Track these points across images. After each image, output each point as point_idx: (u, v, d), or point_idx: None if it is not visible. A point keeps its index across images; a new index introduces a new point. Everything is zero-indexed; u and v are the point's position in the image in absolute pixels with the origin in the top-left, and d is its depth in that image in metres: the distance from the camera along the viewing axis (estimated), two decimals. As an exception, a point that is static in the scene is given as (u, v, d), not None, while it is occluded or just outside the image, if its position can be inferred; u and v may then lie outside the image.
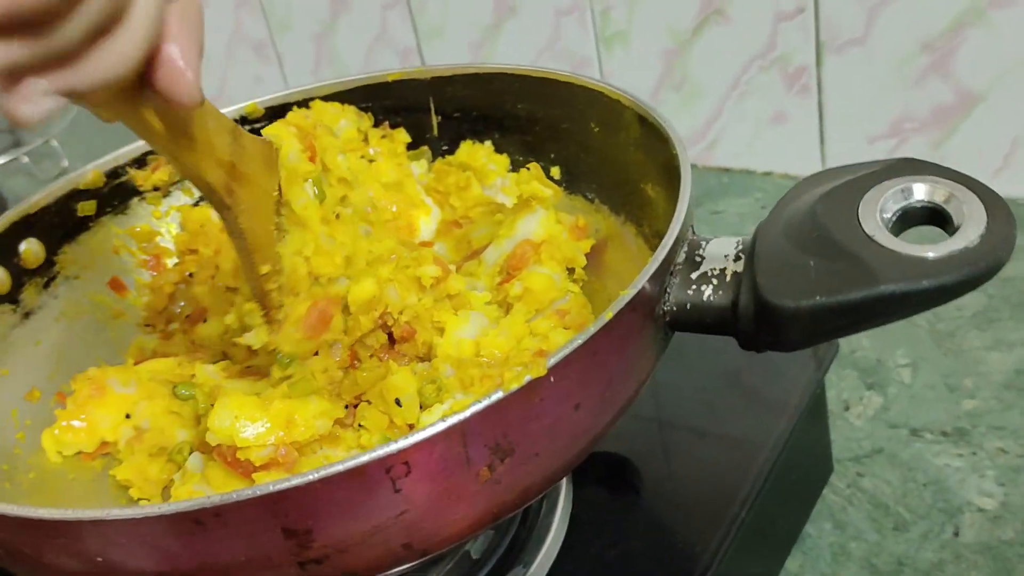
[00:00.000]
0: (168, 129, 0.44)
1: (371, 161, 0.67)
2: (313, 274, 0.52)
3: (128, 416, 0.57)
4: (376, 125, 0.70)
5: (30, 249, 0.63)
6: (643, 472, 0.63)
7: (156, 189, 0.69)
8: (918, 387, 0.78)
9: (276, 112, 0.71)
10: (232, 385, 0.54)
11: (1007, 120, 0.90)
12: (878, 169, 0.44)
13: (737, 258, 0.46)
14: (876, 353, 0.82)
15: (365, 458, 0.37)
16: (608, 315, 0.41)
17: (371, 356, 0.53)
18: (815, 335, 0.42)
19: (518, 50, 1.16)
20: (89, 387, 0.57)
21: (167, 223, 0.69)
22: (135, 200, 0.69)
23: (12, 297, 0.62)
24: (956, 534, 0.65)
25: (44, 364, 0.62)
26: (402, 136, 0.69)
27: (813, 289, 0.40)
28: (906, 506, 0.68)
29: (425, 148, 0.70)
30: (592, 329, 0.41)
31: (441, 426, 0.38)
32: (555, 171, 0.66)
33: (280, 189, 0.51)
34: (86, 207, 0.65)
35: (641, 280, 0.43)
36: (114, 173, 0.67)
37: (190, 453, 0.54)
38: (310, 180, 0.54)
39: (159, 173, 0.68)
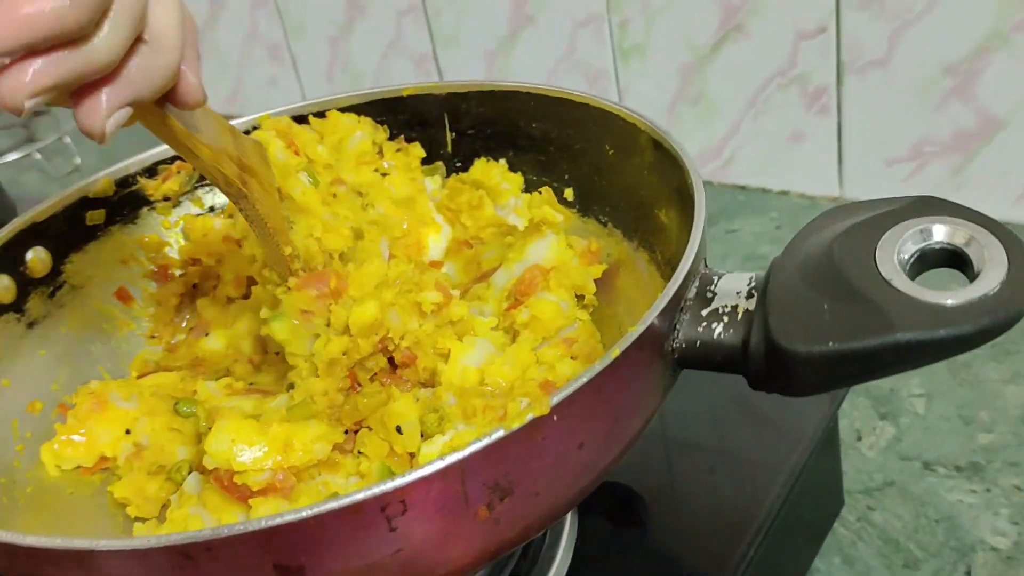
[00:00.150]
0: (184, 128, 0.47)
1: (384, 175, 0.67)
2: (325, 251, 0.55)
3: (128, 432, 0.56)
4: (391, 139, 0.69)
5: (37, 258, 0.62)
6: (650, 505, 0.62)
7: (166, 199, 0.68)
8: (932, 419, 0.77)
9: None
10: (233, 404, 0.53)
11: (1030, 147, 0.89)
12: (897, 208, 0.43)
13: (750, 295, 0.45)
14: (890, 382, 0.81)
15: (360, 496, 0.36)
16: (615, 352, 0.40)
17: (372, 380, 0.52)
18: (827, 381, 0.40)
19: (534, 60, 1.15)
20: (90, 401, 0.57)
21: (176, 233, 0.69)
22: (145, 210, 0.68)
23: (17, 306, 0.61)
24: (968, 574, 0.64)
25: (47, 375, 0.61)
26: (417, 151, 0.68)
27: (826, 334, 0.39)
28: (917, 543, 0.67)
29: (439, 164, 0.69)
30: (598, 366, 0.40)
31: (439, 464, 0.37)
32: (568, 193, 0.65)
33: (277, 183, 0.55)
34: (95, 216, 0.65)
35: (650, 316, 0.42)
36: (124, 182, 0.67)
37: (189, 472, 0.54)
38: (303, 171, 0.57)
39: (170, 183, 0.68)
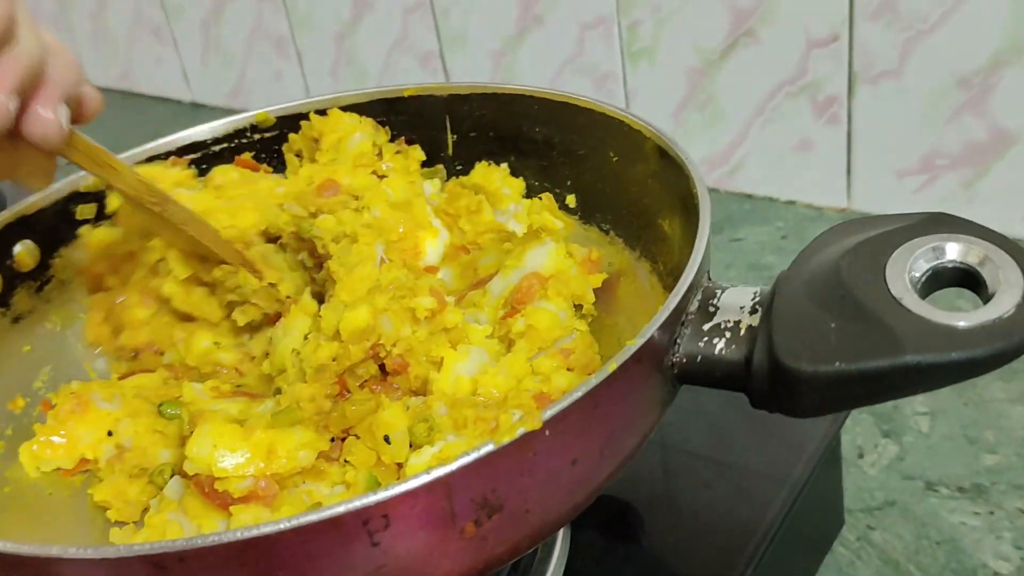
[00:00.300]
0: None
1: (382, 177, 0.65)
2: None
3: (110, 434, 0.54)
4: (392, 140, 0.68)
5: (25, 251, 0.61)
6: (646, 519, 0.60)
7: None
8: (936, 438, 0.75)
9: (288, 120, 0.69)
10: (219, 407, 0.51)
11: (1043, 163, 0.88)
12: (909, 224, 0.42)
13: (753, 311, 0.43)
14: (893, 399, 0.79)
15: (341, 509, 0.35)
16: (612, 366, 0.39)
17: (361, 387, 0.51)
18: (832, 403, 0.39)
19: (541, 61, 1.14)
20: (71, 402, 0.55)
21: None
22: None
23: (3, 300, 0.60)
24: (969, 599, 0.63)
25: (31, 371, 0.60)
26: (416, 154, 0.67)
27: (833, 354, 0.38)
28: (917, 564, 0.66)
29: (440, 167, 0.68)
30: (594, 380, 0.38)
31: (425, 479, 0.35)
32: (570, 199, 0.63)
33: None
34: (85, 211, 0.63)
35: (650, 330, 0.41)
36: (115, 176, 0.65)
37: (172, 476, 0.52)
38: None
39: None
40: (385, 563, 0.37)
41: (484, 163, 0.65)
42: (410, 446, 0.47)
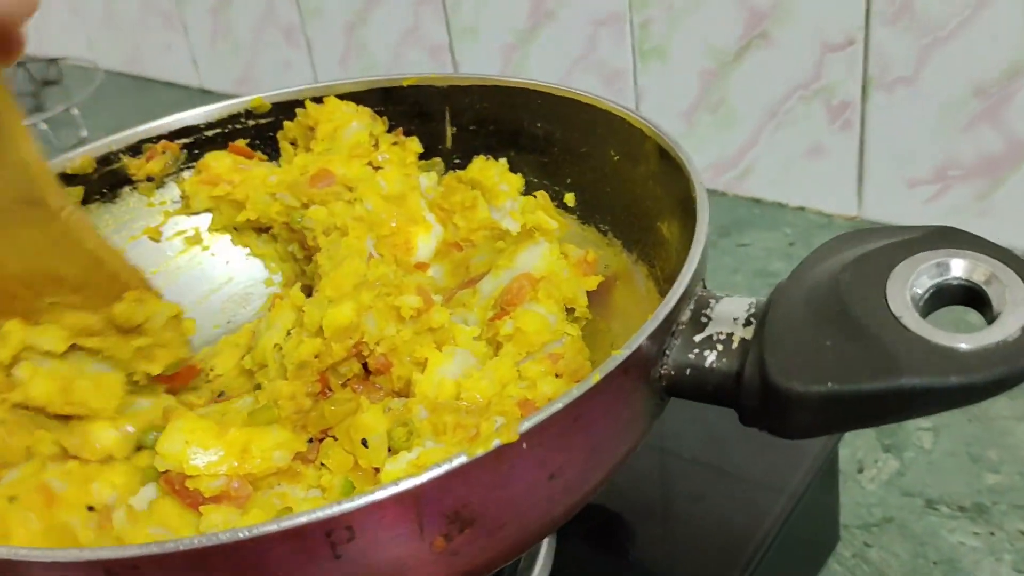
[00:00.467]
0: None
1: (378, 168, 0.64)
2: None
3: None
4: (389, 130, 0.66)
5: None
6: (637, 530, 0.59)
7: (150, 179, 0.65)
8: (938, 454, 0.74)
9: (283, 107, 0.67)
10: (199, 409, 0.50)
11: (1059, 177, 0.86)
12: (913, 238, 0.40)
13: (747, 323, 0.42)
14: (897, 414, 0.77)
15: (303, 519, 0.33)
16: (596, 377, 0.37)
17: (344, 385, 0.49)
18: (823, 425, 0.37)
19: (552, 57, 1.12)
20: None
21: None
22: (126, 189, 0.65)
23: None
24: (965, 624, 0.61)
25: None
26: (414, 146, 0.65)
27: (825, 374, 0.36)
28: (914, 586, 0.64)
29: (438, 160, 0.66)
30: (576, 391, 0.36)
31: (392, 490, 0.34)
32: (569, 198, 0.62)
33: None
34: (72, 193, 0.62)
35: (638, 339, 0.39)
36: (106, 160, 0.64)
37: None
38: None
39: (154, 163, 0.65)
40: (348, 576, 0.35)
41: (482, 157, 0.63)
42: (389, 451, 0.45)
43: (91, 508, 0.47)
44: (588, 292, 0.56)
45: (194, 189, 0.64)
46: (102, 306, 0.51)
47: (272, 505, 0.44)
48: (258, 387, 0.51)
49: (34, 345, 0.50)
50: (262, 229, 0.65)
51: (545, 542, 0.55)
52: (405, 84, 0.65)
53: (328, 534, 0.34)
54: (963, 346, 0.35)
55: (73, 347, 0.51)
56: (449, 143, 0.66)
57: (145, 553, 0.33)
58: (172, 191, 0.66)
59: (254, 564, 0.34)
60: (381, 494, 0.34)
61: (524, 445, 0.36)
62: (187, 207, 0.66)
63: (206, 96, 1.51)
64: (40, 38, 1.53)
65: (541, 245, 0.53)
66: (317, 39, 1.33)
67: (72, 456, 0.48)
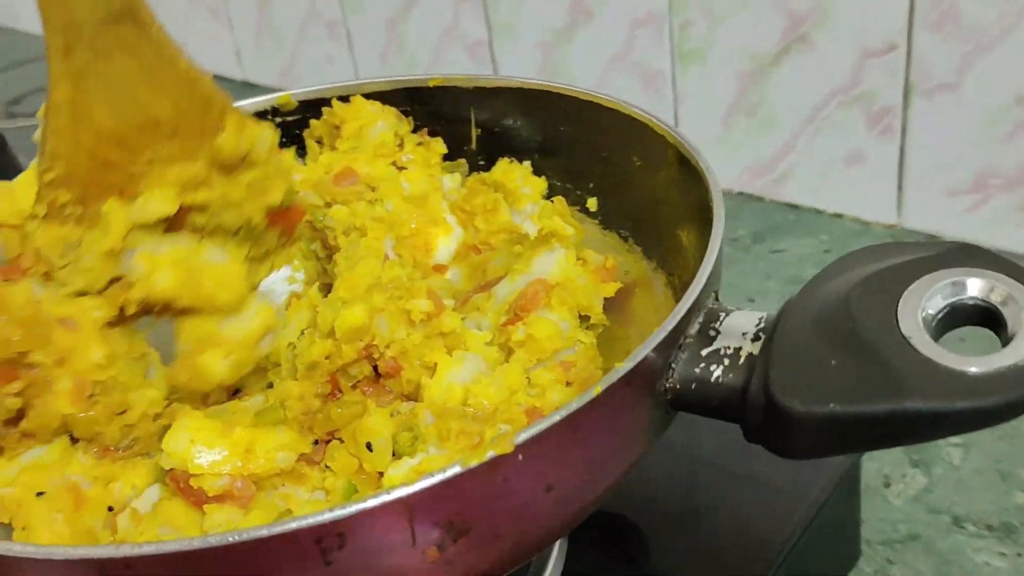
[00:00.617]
0: None
1: (401, 168, 0.64)
2: None
3: None
4: (414, 131, 0.66)
5: None
6: (650, 537, 0.58)
7: None
8: (967, 471, 0.72)
9: (310, 105, 0.67)
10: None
11: (1104, 190, 0.83)
12: (931, 255, 0.39)
13: (756, 337, 0.41)
14: (926, 428, 0.76)
15: (293, 525, 0.33)
16: (596, 389, 0.36)
17: (354, 387, 0.49)
18: (826, 447, 0.36)
19: (590, 56, 1.11)
20: None
21: None
22: None
23: None
24: (987, 647, 0.59)
25: None
26: (438, 146, 0.65)
27: (828, 394, 0.35)
28: (935, 605, 0.63)
29: (462, 161, 0.66)
30: (575, 404, 0.36)
31: (384, 498, 0.34)
32: (592, 203, 0.61)
33: None
34: None
35: (643, 351, 0.38)
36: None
37: None
38: None
39: None
40: (340, 583, 0.35)
41: (506, 160, 0.63)
42: (394, 455, 0.45)
43: (111, 509, 0.47)
44: (606, 299, 0.56)
45: (220, 185, 0.64)
46: (201, 147, 0.47)
47: (275, 506, 0.44)
48: (270, 386, 0.51)
49: (144, 213, 0.46)
50: (287, 227, 0.65)
51: (556, 548, 0.54)
52: (431, 85, 0.65)
53: (318, 541, 0.34)
54: (973, 370, 0.34)
55: (183, 227, 0.48)
56: (474, 145, 0.66)
57: (138, 553, 0.33)
58: None
59: (245, 567, 0.34)
60: (372, 502, 0.33)
61: (520, 457, 0.35)
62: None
63: (249, 89, 1.52)
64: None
65: (557, 251, 0.53)
66: (358, 34, 1.33)
67: (99, 446, 0.47)
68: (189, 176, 0.47)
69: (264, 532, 0.33)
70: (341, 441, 0.47)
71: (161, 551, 0.33)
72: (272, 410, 0.47)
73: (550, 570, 0.53)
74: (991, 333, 0.38)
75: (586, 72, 1.12)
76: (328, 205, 0.61)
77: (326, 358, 0.48)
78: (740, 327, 0.42)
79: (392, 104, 0.66)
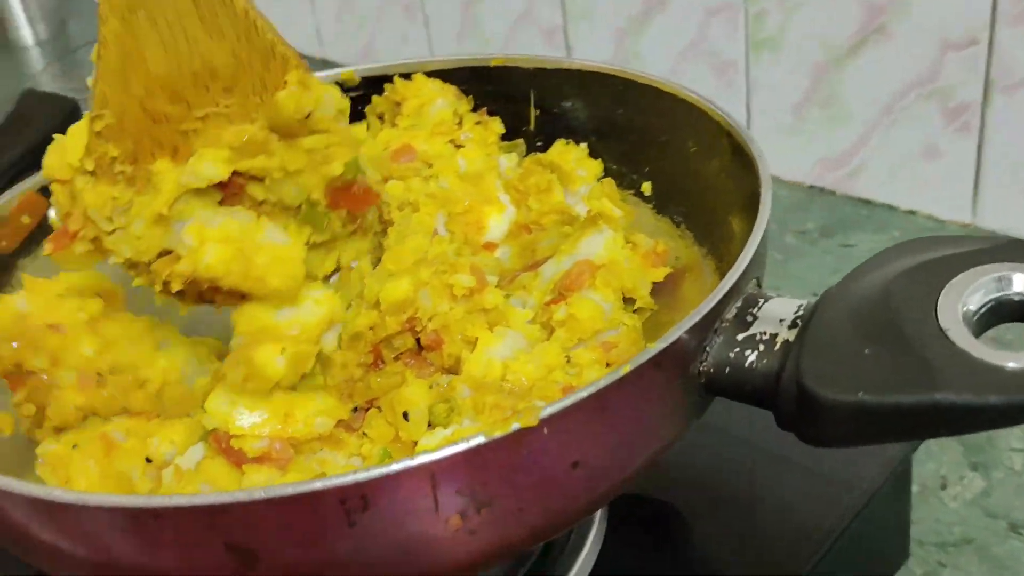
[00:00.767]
0: None
1: (459, 147, 0.64)
2: None
3: None
4: (474, 110, 0.66)
5: None
6: (691, 525, 0.58)
7: None
8: (1028, 477, 0.70)
9: (373, 82, 0.68)
10: None
11: None
12: (978, 249, 0.38)
13: (794, 325, 0.40)
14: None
15: (319, 484, 0.34)
16: (625, 368, 0.36)
17: (396, 359, 0.50)
18: (856, 436, 0.36)
19: (664, 44, 1.10)
20: None
21: None
22: None
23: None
24: (1036, 655, 0.58)
25: None
26: (496, 126, 0.65)
27: (858, 383, 0.34)
28: (985, 610, 0.61)
29: (520, 142, 0.66)
30: (603, 381, 0.36)
31: (407, 463, 0.34)
32: (646, 187, 0.61)
33: None
34: None
35: (676, 332, 0.38)
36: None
37: None
38: None
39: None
40: (363, 546, 0.36)
41: (563, 141, 0.63)
42: (429, 425, 0.46)
43: (149, 460, 0.49)
44: (656, 284, 0.55)
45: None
46: (262, 104, 0.45)
47: (312, 469, 0.45)
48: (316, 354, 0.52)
49: (194, 176, 0.44)
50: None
51: (594, 527, 0.54)
52: (492, 64, 0.65)
53: (343, 501, 0.34)
54: (1011, 365, 0.34)
55: (240, 200, 0.46)
56: (533, 125, 0.66)
57: (167, 504, 0.34)
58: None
59: (271, 524, 0.35)
60: (396, 467, 0.34)
61: (545, 431, 0.36)
62: (277, 171, 0.67)
63: (328, 67, 1.53)
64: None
65: (604, 233, 0.53)
66: (435, 16, 1.34)
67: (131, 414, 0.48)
68: (246, 138, 0.44)
69: (290, 490, 0.34)
70: (379, 410, 0.48)
71: (189, 503, 0.34)
72: (312, 376, 0.48)
73: (587, 549, 0.53)
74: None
75: (659, 60, 1.12)
76: (385, 180, 0.62)
77: (370, 329, 0.49)
78: (778, 313, 0.41)
79: (454, 83, 0.66)
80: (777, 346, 0.40)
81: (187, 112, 0.44)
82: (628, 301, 0.53)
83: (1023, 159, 0.88)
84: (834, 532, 0.54)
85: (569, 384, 0.46)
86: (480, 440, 0.35)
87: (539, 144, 0.66)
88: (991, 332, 0.38)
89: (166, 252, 0.45)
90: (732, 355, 0.41)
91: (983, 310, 0.37)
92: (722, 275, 0.53)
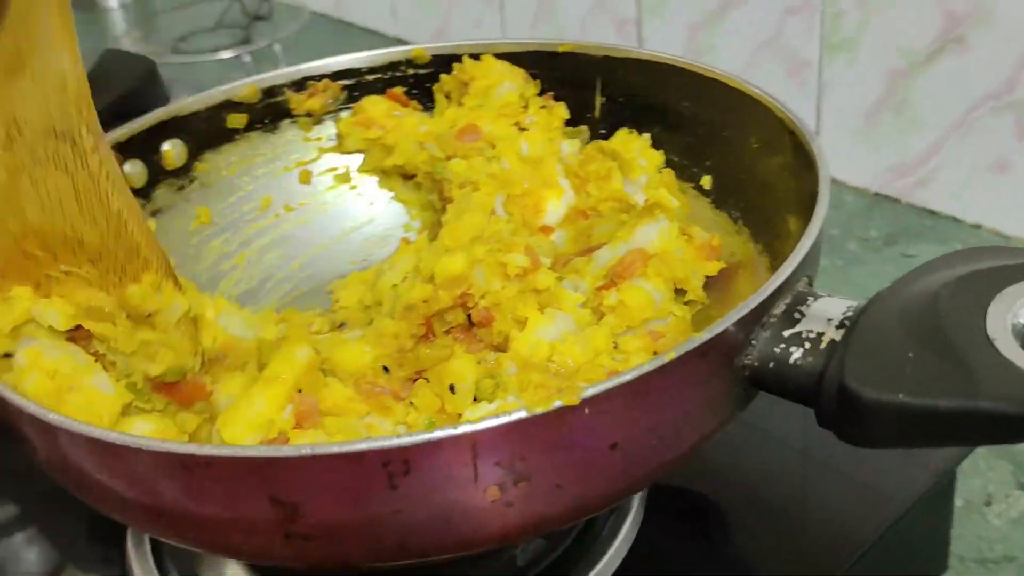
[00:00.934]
0: None
1: (523, 130, 0.65)
2: None
3: None
4: (540, 94, 0.67)
5: (173, 151, 0.64)
6: (728, 520, 0.58)
7: (309, 115, 0.69)
8: (1076, 500, 0.69)
9: (443, 60, 0.69)
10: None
11: None
12: (1032, 261, 0.38)
13: (841, 325, 0.40)
14: (1038, 449, 0.73)
15: (363, 446, 0.35)
16: (669, 355, 0.37)
17: (447, 333, 0.51)
18: (896, 437, 0.36)
19: (737, 40, 1.10)
20: None
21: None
22: (286, 122, 0.68)
23: (146, 193, 0.63)
24: None
25: None
26: (560, 111, 0.66)
27: (899, 385, 0.35)
28: (1021, 631, 0.61)
29: (584, 128, 0.67)
30: (646, 367, 0.37)
31: (449, 432, 0.35)
32: (706, 180, 0.61)
33: None
34: (236, 119, 0.66)
35: (723, 324, 0.39)
36: (271, 91, 0.67)
37: None
38: None
39: (315, 99, 0.68)
40: (402, 508, 0.37)
41: (626, 130, 0.63)
42: (475, 399, 0.47)
43: None
44: (709, 278, 0.56)
45: (349, 129, 0.67)
46: (117, 286, 0.48)
47: (359, 434, 0.46)
48: (370, 323, 0.53)
49: (39, 317, 0.47)
50: (408, 176, 0.67)
51: (631, 514, 0.55)
52: (561, 50, 0.66)
53: (385, 464, 0.35)
54: (1055, 379, 0.34)
55: (77, 337, 0.49)
56: (597, 113, 0.66)
57: (219, 454, 0.36)
58: (328, 129, 0.69)
59: (314, 481, 0.36)
60: (439, 434, 0.35)
61: (586, 410, 0.36)
62: (341, 146, 0.69)
63: (400, 44, 1.55)
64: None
65: (660, 222, 0.53)
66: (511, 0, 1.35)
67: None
68: (94, 305, 0.48)
69: (335, 449, 0.35)
70: (427, 381, 0.49)
71: (239, 454, 0.36)
72: (359, 342, 0.49)
73: (623, 535, 0.54)
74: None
75: (732, 57, 1.11)
76: (449, 158, 0.63)
77: (424, 302, 0.50)
78: (826, 313, 0.41)
79: (522, 66, 0.67)
80: (823, 345, 0.40)
81: (53, 262, 0.47)
82: (680, 292, 0.54)
83: (1096, 178, 0.87)
84: (871, 538, 0.54)
85: (615, 369, 0.46)
86: (522, 414, 0.35)
87: (603, 132, 0.66)
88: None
89: (9, 354, 0.47)
90: (777, 351, 0.41)
91: (1034, 322, 0.36)
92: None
